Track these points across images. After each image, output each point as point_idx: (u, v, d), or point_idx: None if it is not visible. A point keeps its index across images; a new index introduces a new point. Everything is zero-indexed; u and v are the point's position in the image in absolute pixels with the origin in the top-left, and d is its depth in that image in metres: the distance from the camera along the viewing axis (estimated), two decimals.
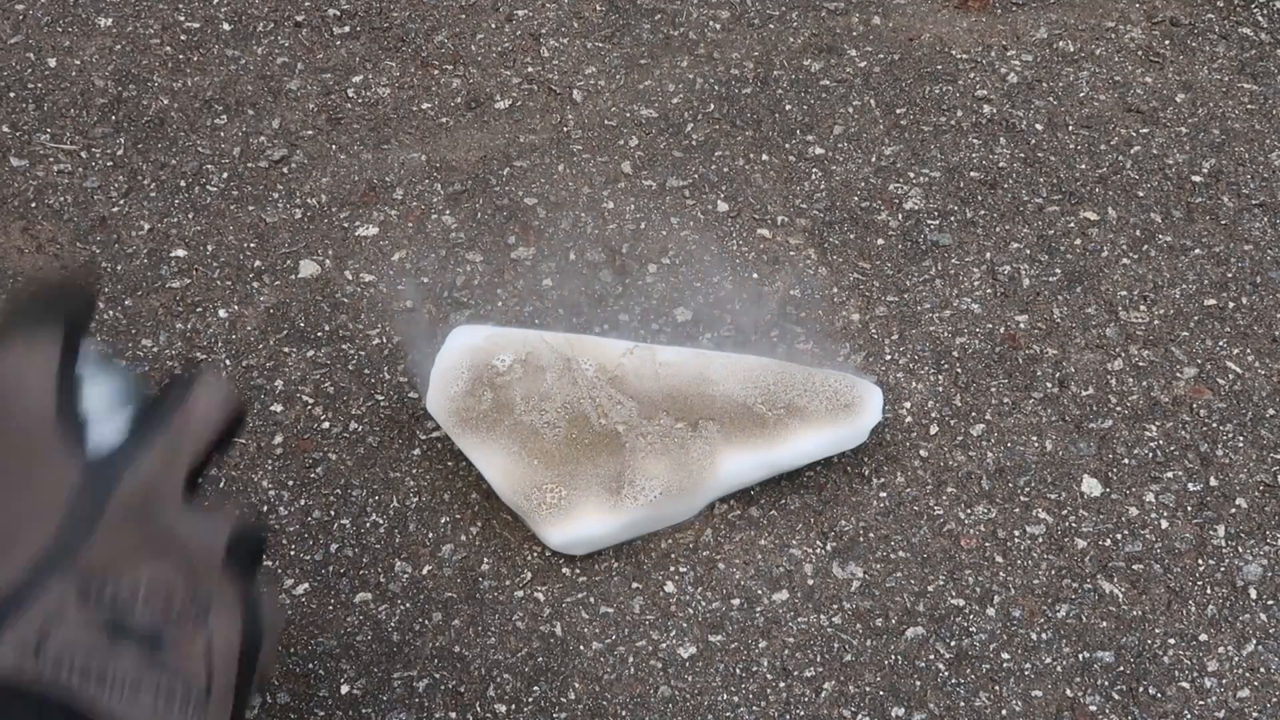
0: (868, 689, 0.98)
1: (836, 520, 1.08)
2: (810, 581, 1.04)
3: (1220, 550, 1.07)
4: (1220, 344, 1.21)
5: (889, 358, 1.19)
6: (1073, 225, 1.31)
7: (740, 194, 1.33)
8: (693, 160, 1.37)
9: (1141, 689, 0.99)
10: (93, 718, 0.54)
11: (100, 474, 0.58)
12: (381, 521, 1.08)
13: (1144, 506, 1.10)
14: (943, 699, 0.98)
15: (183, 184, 1.34)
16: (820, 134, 1.40)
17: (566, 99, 1.43)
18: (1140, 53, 1.50)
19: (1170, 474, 1.12)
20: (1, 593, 0.55)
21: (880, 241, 1.29)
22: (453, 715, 0.97)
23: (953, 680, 0.99)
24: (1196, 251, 1.29)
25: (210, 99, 1.42)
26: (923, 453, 1.13)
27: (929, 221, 1.31)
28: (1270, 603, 1.04)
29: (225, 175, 1.34)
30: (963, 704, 0.98)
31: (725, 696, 0.98)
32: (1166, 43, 1.51)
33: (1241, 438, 1.14)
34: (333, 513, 1.08)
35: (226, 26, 1.51)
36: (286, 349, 1.19)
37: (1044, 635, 1.02)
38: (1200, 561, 1.06)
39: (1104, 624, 1.02)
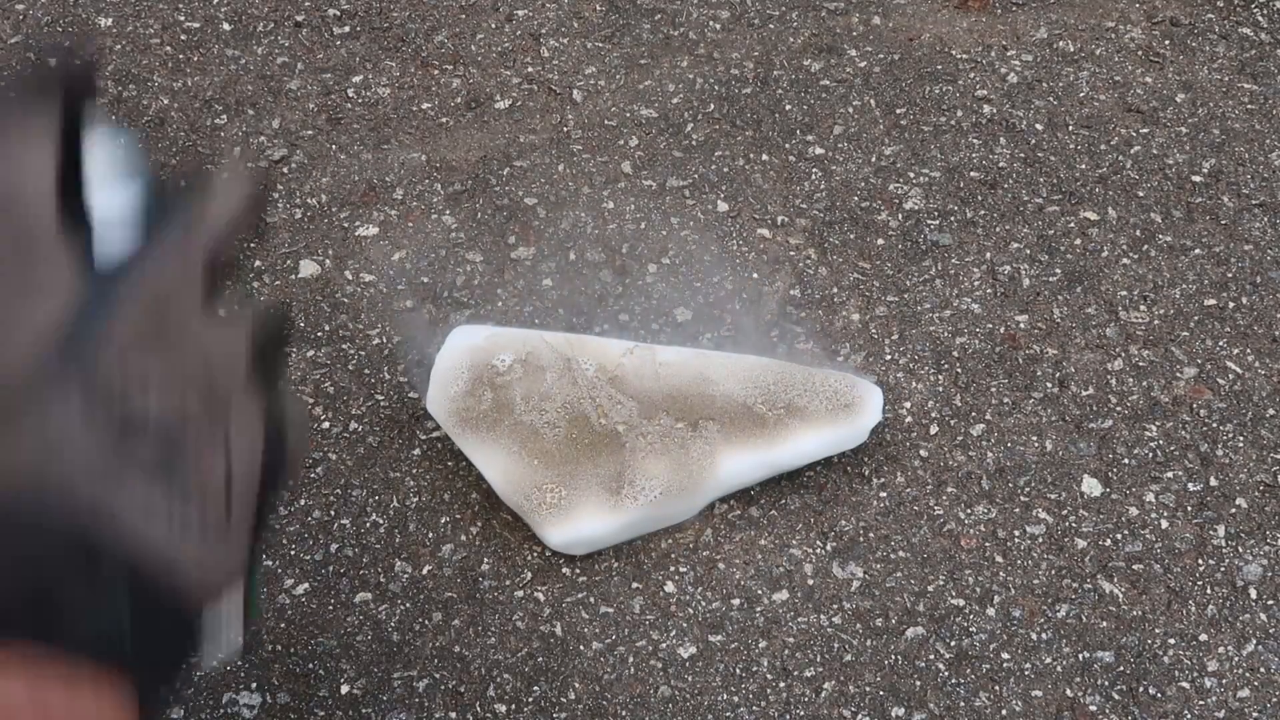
0: (868, 689, 0.98)
1: (836, 520, 1.08)
2: (810, 581, 1.04)
3: (1220, 550, 1.07)
4: (1220, 344, 1.21)
5: (889, 358, 1.19)
6: (1073, 225, 1.31)
7: (740, 194, 1.33)
8: (693, 160, 1.37)
9: (1141, 689, 0.99)
10: (99, 548, 0.49)
11: (109, 276, 0.53)
12: (381, 521, 1.08)
13: (1144, 506, 1.10)
14: (943, 699, 0.98)
15: (183, 184, 1.33)
16: (820, 134, 1.40)
17: (566, 99, 1.43)
18: (1140, 53, 1.50)
19: (1170, 474, 1.12)
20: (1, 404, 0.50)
21: (880, 241, 1.29)
22: (453, 715, 0.97)
23: (953, 680, 0.99)
24: (1196, 251, 1.29)
25: (210, 99, 1.42)
26: (923, 453, 1.13)
27: (929, 221, 1.31)
28: (1270, 603, 1.04)
29: (225, 175, 1.34)
30: (963, 704, 0.98)
31: (725, 696, 0.98)
32: (1166, 43, 1.51)
33: (1241, 438, 1.14)
34: (333, 513, 1.08)
35: (226, 26, 1.51)
36: (286, 349, 1.19)
37: (1044, 635, 1.02)
38: (1200, 561, 1.06)
39: (1104, 624, 1.02)
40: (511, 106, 1.42)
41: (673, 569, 1.05)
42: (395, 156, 1.37)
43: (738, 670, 0.99)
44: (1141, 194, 1.34)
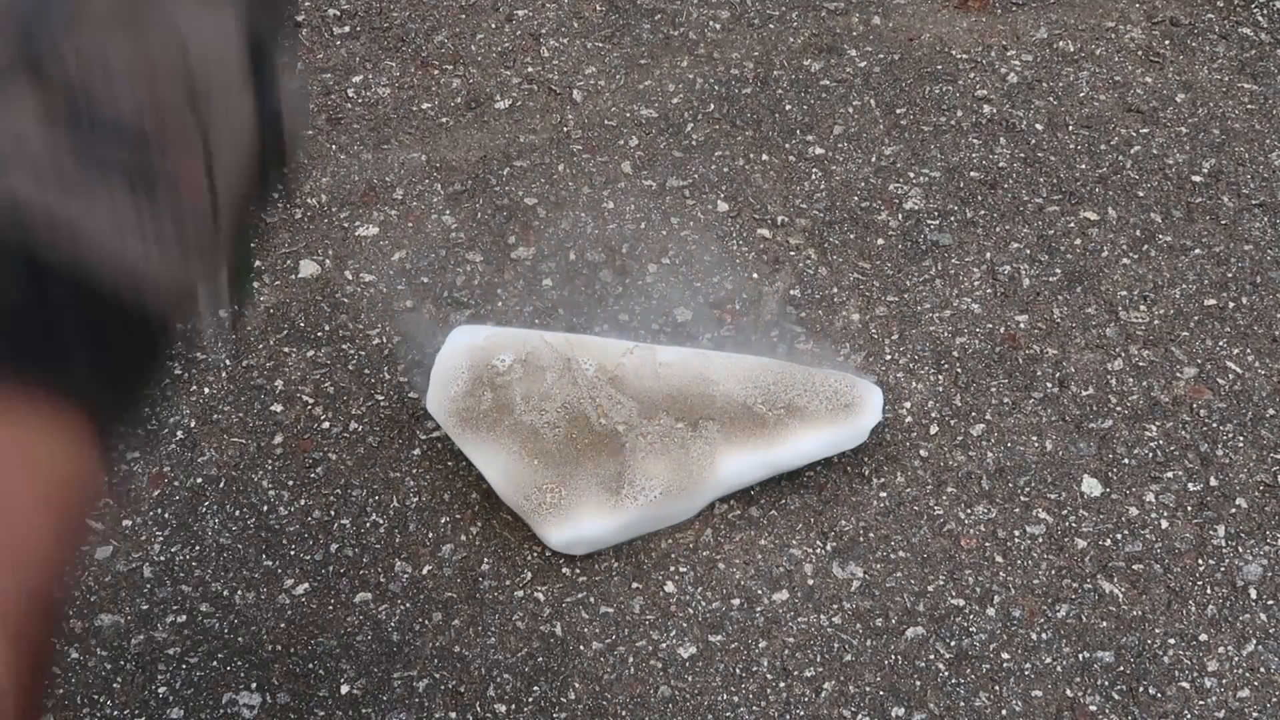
0: (868, 689, 0.98)
1: (836, 520, 1.08)
2: (810, 581, 1.04)
3: (1220, 550, 1.07)
4: (1220, 344, 1.21)
5: (889, 358, 1.19)
6: (1073, 225, 1.31)
7: (740, 194, 1.33)
8: (693, 160, 1.37)
9: (1141, 689, 0.99)
10: (51, 265, 0.42)
11: None
12: (381, 521, 1.08)
13: (1144, 506, 1.10)
14: (943, 699, 0.98)
15: None
16: (820, 134, 1.40)
17: (566, 99, 1.43)
18: (1140, 53, 1.50)
19: (1170, 474, 1.12)
20: None
21: (880, 241, 1.29)
22: (453, 715, 0.97)
23: (953, 680, 0.99)
24: (1196, 251, 1.29)
25: None
26: (923, 453, 1.13)
27: (929, 221, 1.31)
28: (1270, 603, 1.04)
29: None
30: (963, 704, 0.98)
31: (725, 696, 0.98)
32: (1166, 43, 1.51)
33: (1241, 438, 1.14)
34: (333, 513, 1.08)
35: None
36: (286, 349, 1.19)
37: (1044, 635, 1.02)
38: (1200, 561, 1.06)
39: (1104, 624, 1.02)
40: (511, 106, 1.42)
41: (673, 569, 1.05)
42: (395, 156, 1.37)
43: (738, 670, 0.99)
44: (1141, 194, 1.34)
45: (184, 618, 1.01)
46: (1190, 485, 1.11)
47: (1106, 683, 0.99)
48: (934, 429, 1.14)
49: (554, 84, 1.45)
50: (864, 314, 1.23)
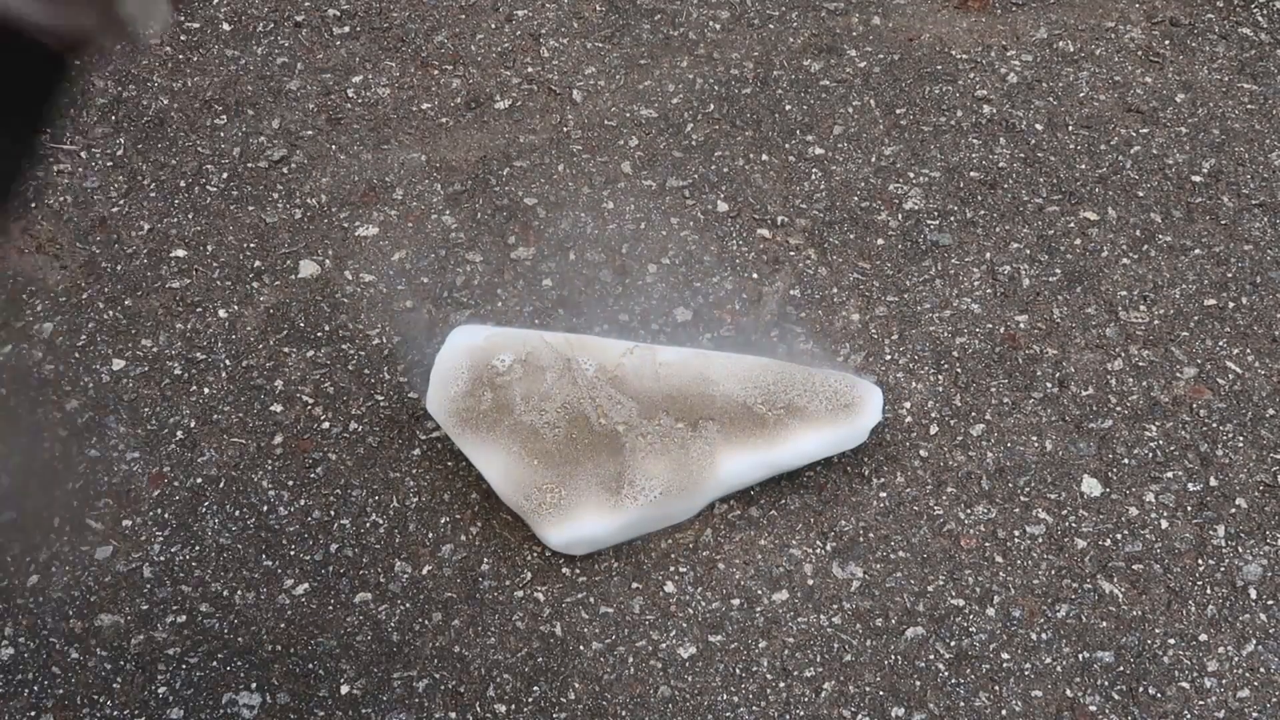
0: (868, 689, 0.98)
1: (836, 520, 1.08)
2: (810, 581, 1.04)
3: (1220, 550, 1.07)
4: (1220, 344, 1.21)
5: (889, 358, 1.19)
6: (1073, 225, 1.31)
7: (740, 194, 1.33)
8: (693, 160, 1.37)
9: (1141, 689, 0.99)
10: None
11: None
12: (381, 521, 1.08)
13: (1144, 506, 1.10)
14: (943, 699, 0.98)
15: (183, 184, 1.34)
16: (820, 134, 1.40)
17: (566, 99, 1.43)
18: (1140, 53, 1.50)
19: (1170, 474, 1.12)
20: None
21: (880, 241, 1.29)
22: (453, 715, 0.97)
23: (953, 680, 0.99)
24: (1196, 251, 1.29)
25: (210, 99, 1.42)
26: (923, 453, 1.13)
27: (929, 221, 1.31)
28: (1270, 603, 1.04)
29: (225, 175, 1.34)
30: (963, 704, 0.98)
31: (725, 696, 0.98)
32: (1166, 43, 1.51)
33: (1241, 438, 1.14)
34: (333, 513, 1.08)
35: (226, 26, 1.51)
36: (286, 349, 1.19)
37: (1044, 635, 1.02)
38: (1200, 561, 1.06)
39: (1104, 624, 1.02)
40: (511, 106, 1.42)
41: (673, 569, 1.05)
42: (395, 156, 1.37)
43: (738, 670, 0.99)
44: (1141, 194, 1.34)
45: (184, 618, 1.01)
46: (1190, 485, 1.11)
47: (1106, 683, 0.99)
48: (934, 429, 1.14)
49: (554, 84, 1.45)
50: (864, 314, 1.23)
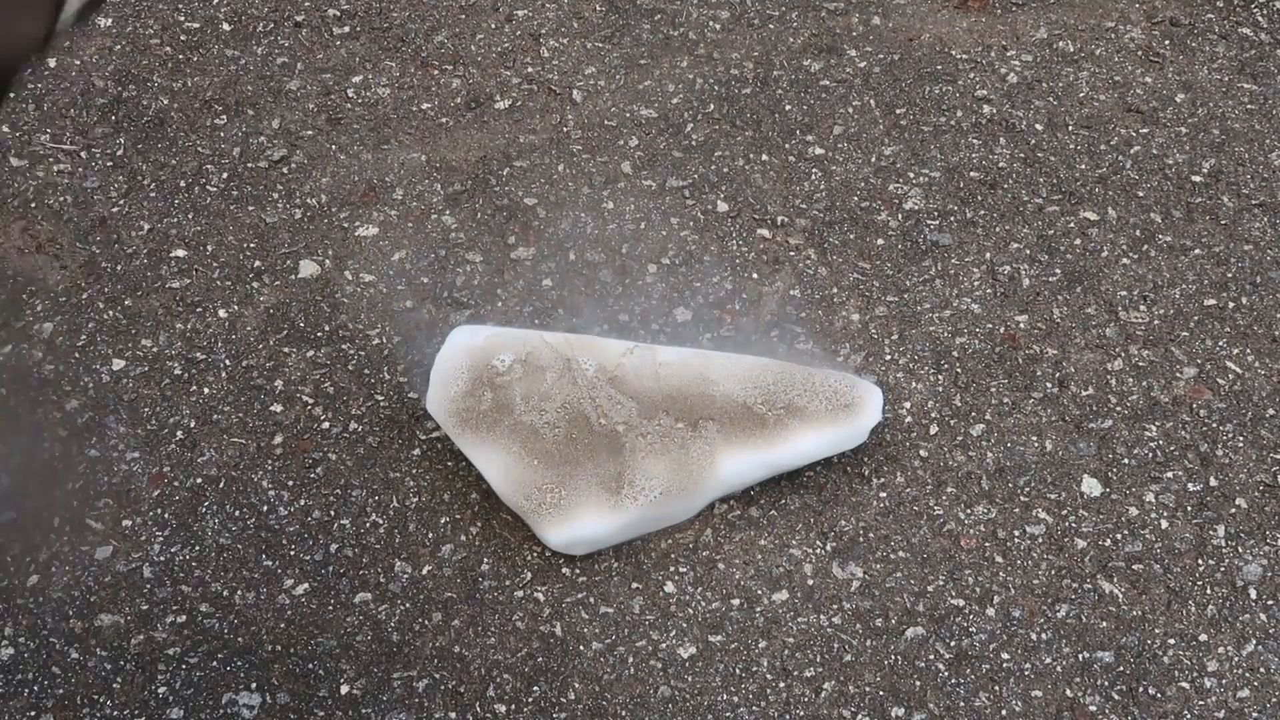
0: (868, 689, 0.98)
1: (836, 520, 1.08)
2: (810, 581, 1.04)
3: (1220, 550, 1.07)
4: (1220, 344, 1.21)
5: (889, 358, 1.19)
6: (1073, 225, 1.31)
7: (740, 194, 1.33)
8: (693, 160, 1.37)
9: (1141, 689, 0.99)
10: None
11: None
12: (381, 521, 1.08)
13: (1144, 506, 1.10)
14: (943, 699, 0.98)
15: (183, 184, 1.34)
16: (820, 134, 1.40)
17: (566, 99, 1.43)
18: (1140, 53, 1.50)
19: (1170, 474, 1.12)
20: None
21: (880, 241, 1.29)
22: (453, 715, 0.97)
23: (953, 680, 0.99)
24: (1196, 251, 1.29)
25: (210, 99, 1.42)
26: (923, 453, 1.13)
27: (929, 221, 1.31)
28: (1270, 603, 1.04)
29: (225, 175, 1.34)
30: (963, 704, 0.98)
31: (725, 696, 0.98)
32: (1166, 43, 1.51)
33: (1241, 438, 1.14)
34: (333, 513, 1.08)
35: (226, 26, 1.51)
36: (286, 349, 1.19)
37: (1044, 635, 1.02)
38: (1200, 561, 1.06)
39: (1104, 624, 1.02)
40: (511, 106, 1.42)
41: (673, 569, 1.05)
42: (395, 156, 1.37)
43: (738, 670, 0.99)
44: (1141, 194, 1.34)
45: (184, 618, 1.01)
46: (1190, 485, 1.11)
47: (1106, 683, 0.99)
48: (934, 429, 1.14)
49: (554, 84, 1.45)
50: (864, 314, 1.23)
